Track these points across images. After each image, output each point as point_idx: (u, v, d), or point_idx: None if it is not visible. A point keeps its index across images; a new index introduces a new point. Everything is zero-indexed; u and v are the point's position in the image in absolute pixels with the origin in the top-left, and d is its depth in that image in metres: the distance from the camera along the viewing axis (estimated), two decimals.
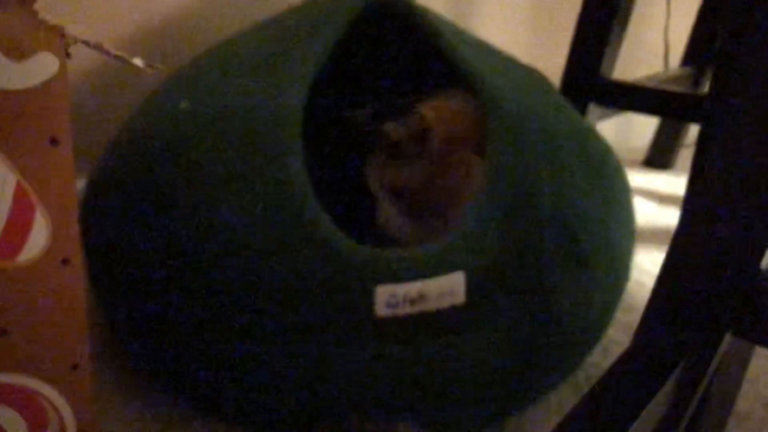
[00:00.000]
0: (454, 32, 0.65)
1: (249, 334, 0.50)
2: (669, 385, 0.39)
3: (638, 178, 1.40)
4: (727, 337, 0.44)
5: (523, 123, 0.59)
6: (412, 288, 0.50)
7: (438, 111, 0.62)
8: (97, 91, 0.75)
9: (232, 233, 0.50)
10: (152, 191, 0.54)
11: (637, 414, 0.36)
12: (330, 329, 0.50)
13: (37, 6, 0.33)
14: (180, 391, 0.58)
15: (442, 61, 0.61)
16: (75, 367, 0.39)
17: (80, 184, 0.60)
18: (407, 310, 0.50)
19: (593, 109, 1.07)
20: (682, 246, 0.44)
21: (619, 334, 0.75)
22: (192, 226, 0.51)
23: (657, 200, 1.29)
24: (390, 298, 0.50)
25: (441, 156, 0.62)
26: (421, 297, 0.50)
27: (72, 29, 0.35)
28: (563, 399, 0.65)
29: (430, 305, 0.51)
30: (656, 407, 0.39)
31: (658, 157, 1.48)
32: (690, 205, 0.44)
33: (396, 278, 0.50)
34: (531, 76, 0.70)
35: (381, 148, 0.64)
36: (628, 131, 1.54)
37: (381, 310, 0.50)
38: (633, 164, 1.49)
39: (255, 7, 0.82)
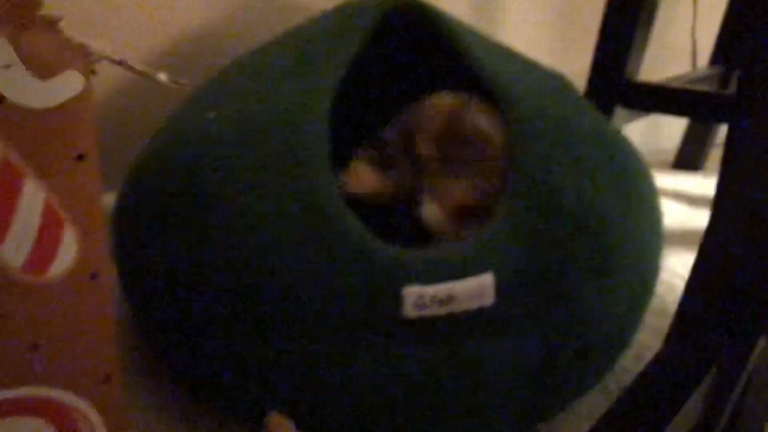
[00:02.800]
0: (475, 37, 0.65)
1: (276, 336, 0.50)
2: (701, 391, 0.38)
3: (668, 180, 1.38)
4: (762, 341, 0.43)
5: (544, 125, 0.58)
6: (441, 289, 0.50)
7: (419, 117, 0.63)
8: (122, 105, 0.77)
9: (260, 237, 0.51)
10: (181, 201, 0.54)
11: (669, 420, 0.36)
12: (358, 330, 0.50)
13: (62, 24, 0.34)
14: (212, 399, 0.58)
15: (463, 66, 0.61)
16: (106, 379, 0.40)
17: (109, 198, 0.61)
18: (436, 311, 0.50)
19: (620, 112, 1.05)
20: (713, 248, 0.43)
21: (651, 338, 0.74)
22: (220, 232, 0.52)
23: (688, 202, 1.28)
24: (418, 299, 0.50)
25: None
26: (450, 298, 0.50)
27: (96, 45, 0.36)
28: (594, 405, 0.64)
29: (459, 307, 0.51)
30: (689, 413, 0.38)
31: (688, 159, 1.46)
32: (719, 206, 0.44)
33: (424, 279, 0.50)
34: (553, 79, 0.70)
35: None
36: (657, 133, 1.53)
37: (409, 311, 0.50)
38: (662, 166, 1.47)
39: (279, 18, 0.83)
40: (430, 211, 0.63)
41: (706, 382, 0.39)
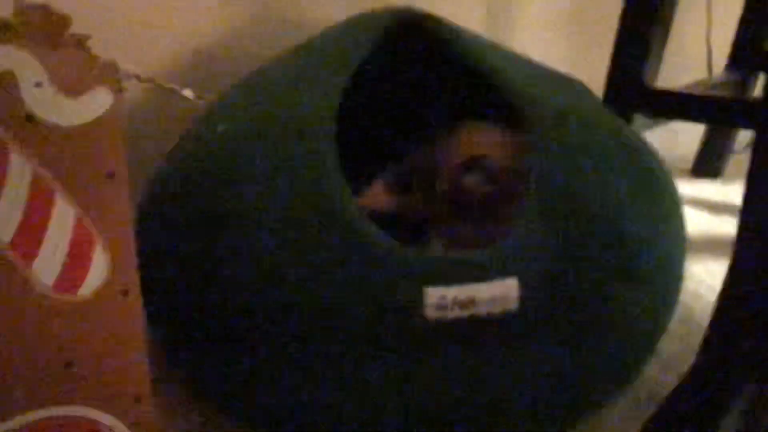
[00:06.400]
0: (486, 46, 0.65)
1: (298, 344, 0.50)
2: (740, 403, 0.38)
3: (687, 188, 1.37)
4: None
5: (565, 130, 0.58)
6: (463, 291, 0.50)
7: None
8: (139, 121, 0.77)
9: (278, 247, 0.51)
10: (195, 217, 0.55)
11: None
12: (379, 334, 0.50)
13: (90, 42, 0.34)
14: (237, 412, 0.58)
15: (474, 76, 0.62)
16: (138, 398, 0.40)
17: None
18: (457, 313, 0.50)
19: (638, 119, 1.05)
20: (744, 257, 0.43)
21: (677, 346, 0.73)
22: (235, 246, 0.52)
23: (708, 209, 1.26)
24: (440, 300, 0.49)
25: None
26: (472, 301, 0.50)
27: (123, 62, 0.36)
28: (622, 415, 0.63)
29: (482, 310, 0.50)
30: (728, 426, 0.37)
31: (707, 166, 1.44)
32: (749, 214, 0.43)
33: (446, 281, 0.49)
34: (570, 85, 0.70)
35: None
36: (675, 140, 1.51)
37: (431, 312, 0.49)
38: (681, 173, 1.46)
39: (292, 33, 0.83)
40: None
41: (745, 393, 0.38)
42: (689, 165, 1.48)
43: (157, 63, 0.76)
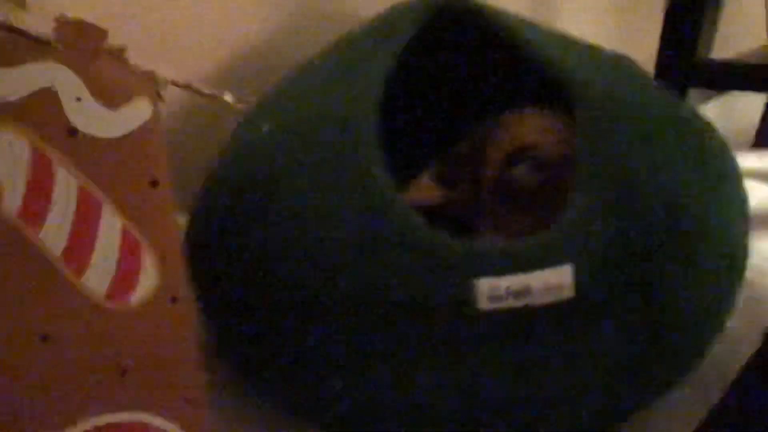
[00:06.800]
0: (530, 28, 0.64)
1: (348, 345, 0.50)
2: None
3: (749, 160, 1.32)
4: None
5: (613, 109, 0.57)
6: (516, 280, 0.49)
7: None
8: (190, 126, 0.78)
9: (321, 242, 0.51)
10: (244, 215, 0.55)
11: None
12: (433, 329, 0.49)
13: (128, 52, 0.34)
14: (296, 411, 0.58)
15: (521, 61, 0.60)
16: (193, 401, 0.40)
17: (182, 220, 0.63)
18: (511, 303, 0.49)
19: (693, 93, 1.01)
20: None
21: (744, 326, 0.70)
22: (283, 241, 0.52)
23: None
24: (492, 290, 0.48)
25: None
26: (526, 290, 0.49)
27: (162, 71, 0.37)
28: (691, 399, 0.61)
29: (537, 299, 0.49)
30: None
31: None
32: None
33: (498, 271, 0.48)
34: (618, 63, 0.67)
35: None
36: (734, 112, 1.46)
37: (483, 303, 0.48)
38: (743, 146, 1.41)
39: (330, 27, 0.83)
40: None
41: None
42: (751, 137, 1.43)
43: (196, 67, 0.77)
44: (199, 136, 0.79)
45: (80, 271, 0.34)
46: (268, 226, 0.53)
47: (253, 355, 0.57)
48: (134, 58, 0.35)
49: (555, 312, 0.50)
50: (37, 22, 0.33)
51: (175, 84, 0.37)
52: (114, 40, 0.33)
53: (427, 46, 0.65)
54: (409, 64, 0.62)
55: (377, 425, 0.53)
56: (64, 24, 0.31)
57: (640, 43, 1.09)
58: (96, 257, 0.34)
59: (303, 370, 0.53)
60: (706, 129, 0.66)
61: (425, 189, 0.68)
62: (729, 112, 1.45)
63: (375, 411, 0.52)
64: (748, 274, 0.64)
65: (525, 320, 0.50)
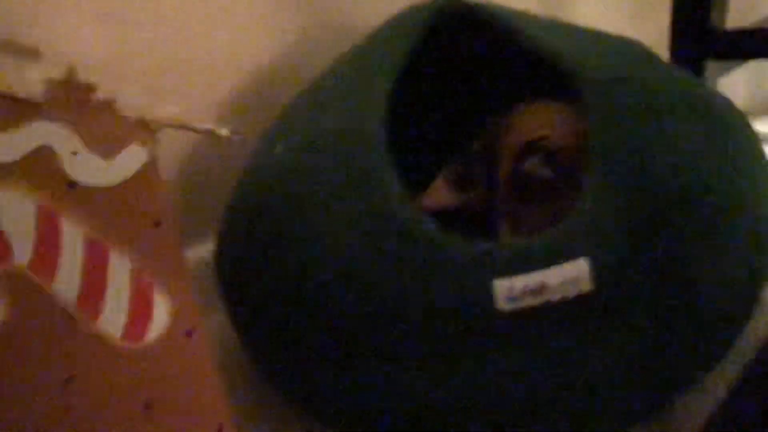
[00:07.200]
0: (535, 22, 0.64)
1: (372, 353, 0.51)
2: None
3: None
4: None
5: (622, 95, 0.56)
6: (532, 279, 0.49)
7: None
8: (208, 157, 0.80)
9: (340, 255, 0.52)
10: (265, 235, 0.56)
11: None
12: (453, 336, 0.50)
13: (118, 103, 0.36)
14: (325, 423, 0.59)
15: (530, 55, 0.60)
16: (219, 428, 0.41)
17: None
18: (529, 302, 0.49)
19: (712, 66, 0.99)
20: None
21: None
22: (303, 256, 0.53)
23: None
24: (509, 291, 0.48)
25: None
26: (543, 287, 0.49)
27: (160, 112, 0.38)
28: (722, 388, 0.60)
29: (555, 295, 0.49)
30: None
31: None
32: None
33: (514, 271, 0.49)
34: (627, 48, 0.67)
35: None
36: (760, 79, 1.43)
37: (502, 303, 0.48)
38: None
39: (339, 39, 0.84)
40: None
41: None
42: None
43: (204, 101, 0.78)
44: (222, 164, 0.81)
45: (95, 316, 0.36)
46: (288, 241, 0.54)
47: (281, 361, 0.58)
48: (138, 98, 0.37)
49: (576, 306, 0.50)
50: (50, 71, 0.34)
51: (169, 125, 0.38)
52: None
53: (433, 50, 0.65)
54: (419, 70, 0.62)
55: (405, 425, 0.54)
56: (53, 84, 0.33)
57: (654, 22, 1.07)
58: (109, 302, 0.36)
59: (330, 372, 0.53)
60: (723, 107, 0.64)
61: (441, 192, 0.69)
62: (755, 81, 1.41)
63: (403, 411, 0.53)
64: None
65: (547, 317, 0.50)
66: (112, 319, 0.36)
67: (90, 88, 0.34)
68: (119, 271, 0.36)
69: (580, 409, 0.51)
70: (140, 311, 0.37)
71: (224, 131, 0.41)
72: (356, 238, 0.52)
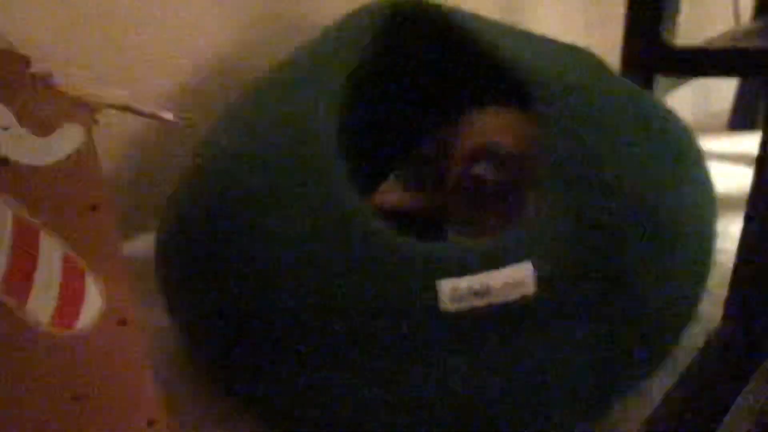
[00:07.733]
0: (489, 26, 0.64)
1: (315, 351, 0.50)
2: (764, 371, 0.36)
3: (725, 144, 1.32)
4: None
5: (572, 103, 0.57)
6: (476, 280, 0.49)
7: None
8: (150, 146, 0.78)
9: (283, 248, 0.51)
10: (206, 227, 0.55)
11: (731, 402, 0.33)
12: (398, 335, 0.49)
13: (57, 77, 0.34)
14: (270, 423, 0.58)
15: (482, 59, 0.60)
16: (151, 422, 0.40)
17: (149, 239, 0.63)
18: (474, 302, 0.49)
19: (661, 81, 1.01)
20: (760, 209, 0.41)
21: (717, 309, 0.70)
22: (244, 248, 0.52)
23: (748, 163, 1.22)
24: (454, 291, 0.49)
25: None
26: (487, 289, 0.49)
27: (103, 93, 0.36)
28: (666, 384, 0.61)
29: (498, 297, 0.49)
30: (757, 389, 0.35)
31: (743, 119, 1.39)
32: (764, 165, 0.41)
33: (458, 272, 0.49)
34: (579, 55, 0.68)
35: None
36: (708, 96, 1.47)
37: (447, 304, 0.49)
38: (718, 129, 1.41)
39: (295, 35, 0.83)
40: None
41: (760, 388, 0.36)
42: (725, 120, 1.43)
43: (160, 88, 0.77)
44: (159, 154, 0.79)
45: (22, 301, 0.34)
46: (230, 233, 0.53)
47: (223, 357, 0.57)
48: (83, 76, 0.35)
49: (520, 309, 0.50)
50: None
51: (112, 107, 0.37)
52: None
53: (389, 50, 0.65)
54: (372, 70, 0.62)
55: (356, 425, 0.53)
56: None
57: (609, 33, 1.09)
58: (37, 286, 0.34)
59: (274, 370, 0.53)
60: (668, 117, 0.66)
61: (392, 193, 0.68)
62: (703, 97, 1.45)
63: (354, 409, 0.52)
64: (720, 257, 0.64)
65: (492, 319, 0.50)
66: (41, 304, 0.34)
67: (25, 60, 0.32)
68: (50, 254, 0.34)
69: (522, 410, 0.51)
70: (71, 298, 0.35)
71: (169, 115, 0.39)
72: (300, 230, 0.51)
